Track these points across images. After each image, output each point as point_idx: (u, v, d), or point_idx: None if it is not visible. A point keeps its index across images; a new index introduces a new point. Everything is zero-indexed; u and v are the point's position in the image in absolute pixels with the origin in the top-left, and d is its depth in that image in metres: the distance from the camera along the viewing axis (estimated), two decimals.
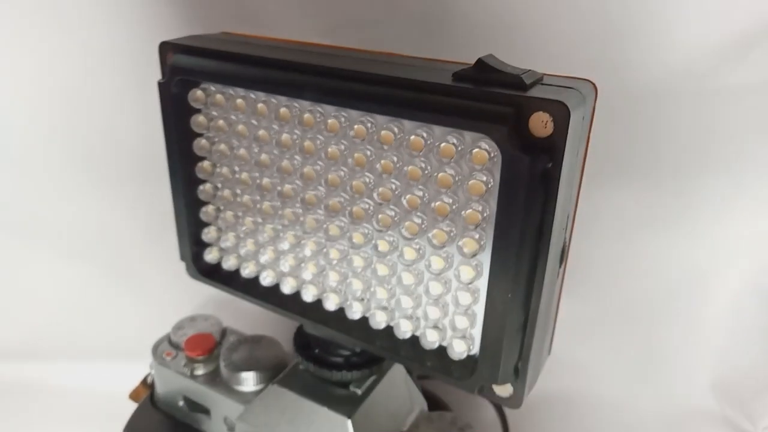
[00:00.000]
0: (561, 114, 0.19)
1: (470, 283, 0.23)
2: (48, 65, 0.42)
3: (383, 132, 0.23)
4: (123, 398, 0.46)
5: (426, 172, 0.22)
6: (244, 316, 0.42)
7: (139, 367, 0.42)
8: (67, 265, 0.50)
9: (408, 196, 0.23)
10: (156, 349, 0.36)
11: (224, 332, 0.37)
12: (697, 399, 0.49)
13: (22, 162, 0.45)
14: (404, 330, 0.26)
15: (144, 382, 0.39)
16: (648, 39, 0.34)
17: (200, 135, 0.29)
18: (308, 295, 0.29)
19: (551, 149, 0.19)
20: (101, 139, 0.44)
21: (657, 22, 0.34)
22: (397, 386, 0.31)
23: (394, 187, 0.24)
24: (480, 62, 0.21)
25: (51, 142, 0.44)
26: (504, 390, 0.24)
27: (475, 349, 0.24)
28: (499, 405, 0.44)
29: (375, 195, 0.24)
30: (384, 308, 0.26)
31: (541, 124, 0.19)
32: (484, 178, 0.21)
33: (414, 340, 0.26)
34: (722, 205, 0.42)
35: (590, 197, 0.40)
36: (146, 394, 0.38)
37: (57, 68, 0.42)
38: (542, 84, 0.20)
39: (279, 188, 0.27)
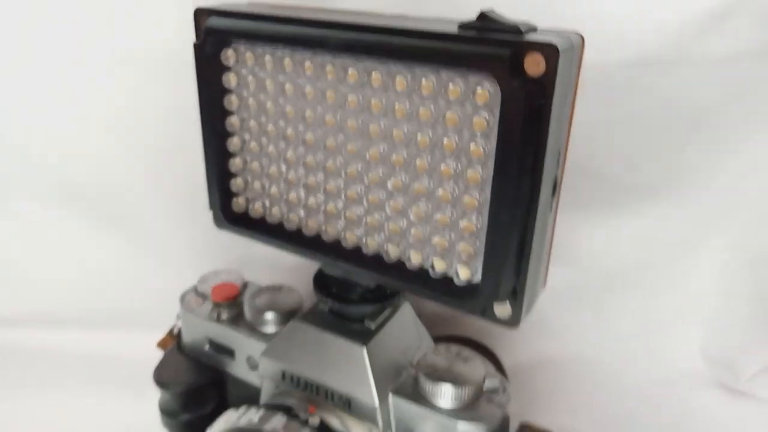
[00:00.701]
0: (552, 54, 0.22)
1: (473, 213, 0.26)
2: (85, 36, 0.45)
3: (398, 78, 0.26)
4: (144, 363, 0.50)
5: (434, 114, 0.26)
6: (261, 277, 0.46)
7: (159, 334, 0.46)
8: (94, 232, 0.53)
9: (419, 137, 0.27)
10: (183, 298, 0.39)
11: (245, 285, 0.40)
12: (686, 362, 0.52)
13: (54, 128, 0.49)
14: (414, 262, 0.29)
15: (170, 332, 0.42)
16: (628, 14, 0.38)
17: (230, 91, 0.32)
18: (327, 236, 0.32)
19: (544, 86, 0.23)
20: (132, 109, 0.48)
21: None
22: (406, 324, 0.34)
23: (406, 130, 0.27)
24: (482, 14, 0.24)
25: (83, 109, 0.48)
26: (503, 311, 0.27)
27: (477, 277, 0.28)
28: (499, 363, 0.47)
29: (390, 138, 0.28)
30: (396, 243, 0.30)
31: (534, 63, 0.22)
32: (486, 116, 0.24)
33: (423, 272, 0.29)
34: (708, 173, 0.45)
35: (580, 167, 0.43)
36: (173, 343, 0.41)
37: (96, 39, 0.45)
38: (536, 32, 0.24)
39: (303, 137, 0.31)
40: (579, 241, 0.48)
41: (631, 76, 0.40)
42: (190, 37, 0.35)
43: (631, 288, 0.50)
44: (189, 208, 0.51)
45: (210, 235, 0.51)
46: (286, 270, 0.46)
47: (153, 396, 0.43)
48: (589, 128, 0.42)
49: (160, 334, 0.45)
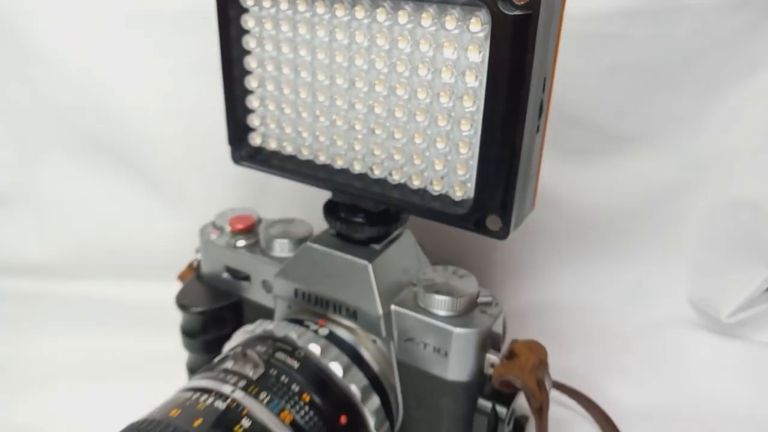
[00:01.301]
0: None
1: (468, 134, 0.29)
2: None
3: (400, 12, 0.29)
4: (164, 307, 0.54)
5: (433, 45, 0.29)
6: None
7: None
8: (118, 181, 0.57)
9: (420, 69, 0.30)
10: (202, 231, 0.42)
11: (259, 219, 0.43)
12: (672, 305, 0.56)
13: (82, 85, 0.52)
14: (416, 183, 0.32)
15: (190, 265, 0.46)
16: None
17: (248, 32, 0.35)
18: (337, 166, 0.35)
19: (530, 14, 0.26)
20: (155, 65, 0.51)
21: None
22: (408, 248, 0.38)
23: (409, 63, 0.30)
24: None
25: (109, 67, 0.51)
26: (494, 224, 0.30)
27: (471, 194, 0.31)
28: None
29: (394, 72, 0.31)
30: (399, 168, 0.33)
31: None
32: (479, 43, 0.27)
33: (423, 192, 0.33)
34: (692, 123, 0.48)
35: (568, 116, 0.46)
36: (192, 273, 0.45)
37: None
38: None
39: (315, 75, 0.34)
40: (565, 186, 0.51)
41: (617, 26, 0.43)
42: None
43: (616, 233, 0.53)
44: (206, 159, 0.54)
45: (225, 184, 0.56)
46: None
47: (171, 332, 0.48)
48: (577, 78, 0.45)
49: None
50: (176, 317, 0.51)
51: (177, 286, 0.49)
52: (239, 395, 0.30)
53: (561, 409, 0.47)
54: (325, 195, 0.38)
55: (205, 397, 0.30)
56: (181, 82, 0.52)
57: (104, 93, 0.53)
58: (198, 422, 0.28)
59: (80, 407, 0.47)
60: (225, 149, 0.53)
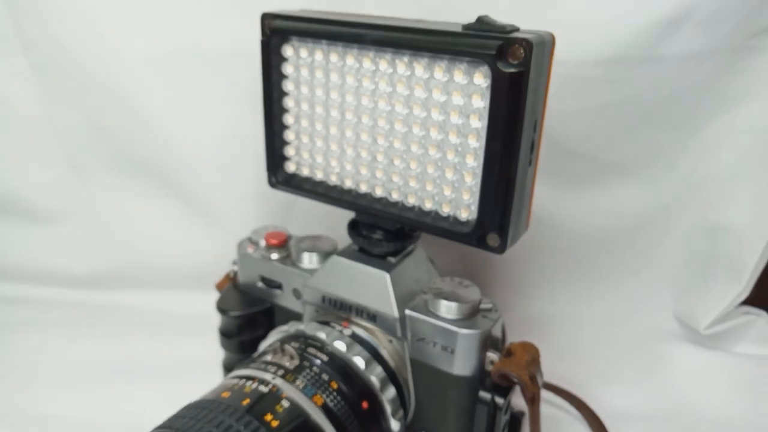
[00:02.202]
0: (528, 46, 0.31)
1: (472, 166, 0.35)
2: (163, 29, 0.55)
3: (416, 65, 0.35)
4: (197, 315, 0.59)
5: (443, 93, 0.35)
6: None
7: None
8: (157, 201, 0.62)
9: (432, 109, 0.36)
10: (240, 245, 0.48)
11: (290, 235, 0.49)
12: (658, 320, 0.60)
13: (129, 112, 0.58)
14: (428, 206, 0.38)
15: (227, 276, 0.51)
16: (601, 20, 0.47)
17: (287, 77, 0.41)
18: (360, 190, 0.41)
19: (523, 69, 0.31)
20: (198, 97, 0.57)
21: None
22: (419, 262, 0.43)
23: (423, 108, 0.36)
24: (479, 18, 0.33)
25: (155, 97, 0.57)
26: (493, 241, 0.36)
27: (474, 216, 0.36)
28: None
29: (411, 114, 0.36)
30: (414, 194, 0.39)
31: (515, 53, 0.31)
32: (482, 92, 0.33)
33: (434, 213, 0.38)
34: (672, 154, 0.54)
35: (562, 148, 0.51)
36: (229, 283, 0.50)
37: (171, 34, 0.55)
38: (518, 31, 0.33)
39: (343, 115, 0.39)
40: (560, 211, 0.56)
41: (605, 71, 0.48)
42: (246, 36, 0.45)
43: (607, 252, 0.58)
44: (238, 182, 0.60)
45: (254, 204, 0.61)
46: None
47: (205, 338, 0.53)
48: (570, 115, 0.51)
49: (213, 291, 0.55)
50: (209, 324, 0.57)
51: (209, 296, 0.55)
52: (279, 381, 0.35)
53: (554, 409, 0.52)
54: (345, 215, 0.43)
55: (250, 382, 0.35)
56: (219, 114, 0.57)
57: (149, 121, 0.58)
58: (246, 401, 0.33)
59: (120, 405, 0.52)
60: (255, 173, 0.60)
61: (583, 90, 0.49)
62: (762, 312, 0.58)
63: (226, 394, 0.34)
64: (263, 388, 0.34)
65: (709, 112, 0.52)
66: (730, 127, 0.52)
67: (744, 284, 0.53)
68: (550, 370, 0.45)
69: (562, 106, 0.48)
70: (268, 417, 0.32)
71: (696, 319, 0.57)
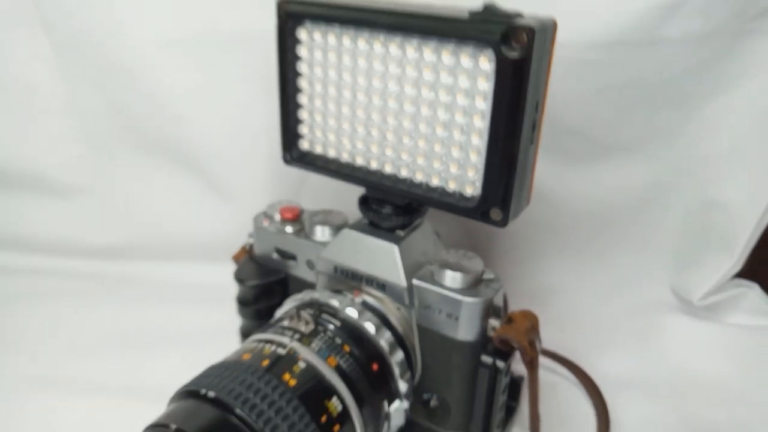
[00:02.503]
0: (530, 32, 0.32)
1: (477, 145, 0.37)
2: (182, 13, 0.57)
3: (425, 49, 0.37)
4: (212, 285, 0.62)
5: (450, 76, 0.37)
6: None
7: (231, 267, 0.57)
8: (178, 178, 0.65)
9: (440, 95, 0.37)
10: (256, 219, 0.50)
11: (302, 210, 0.51)
12: (655, 292, 0.63)
13: (151, 93, 0.60)
14: (435, 182, 0.40)
15: (243, 248, 0.53)
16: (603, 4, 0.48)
17: (301, 59, 0.43)
18: (371, 167, 0.43)
19: (525, 53, 0.33)
20: (216, 78, 0.58)
21: None
22: (426, 235, 0.45)
23: (430, 90, 0.38)
24: (486, 5, 0.35)
25: (175, 78, 0.59)
26: (496, 215, 0.38)
27: (478, 191, 0.38)
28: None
29: (419, 96, 0.38)
30: (422, 170, 0.41)
31: (519, 38, 0.33)
32: (486, 75, 0.35)
33: (440, 189, 0.40)
34: (670, 135, 0.55)
35: (565, 127, 0.53)
36: (245, 254, 0.53)
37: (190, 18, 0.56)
38: (522, 17, 0.34)
39: (355, 95, 0.41)
40: (562, 187, 0.58)
41: (606, 54, 0.49)
42: (259, 19, 0.47)
43: (606, 227, 0.60)
44: (252, 159, 0.62)
45: (267, 180, 0.63)
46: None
47: (220, 306, 0.56)
48: (574, 96, 0.52)
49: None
50: (225, 293, 0.60)
51: (225, 267, 0.58)
52: (295, 345, 0.38)
53: (552, 375, 0.55)
54: (353, 190, 0.45)
55: (269, 345, 0.38)
56: (233, 95, 0.59)
57: (167, 101, 0.60)
58: (265, 362, 0.36)
59: (143, 369, 0.55)
60: (269, 151, 0.62)
61: (584, 72, 0.51)
62: (754, 284, 0.60)
63: (246, 356, 0.37)
64: (281, 351, 0.37)
65: (707, 94, 0.53)
66: (727, 108, 0.53)
67: (736, 258, 0.56)
68: (550, 339, 0.47)
69: (565, 88, 0.49)
70: (287, 376, 0.35)
71: (690, 291, 0.59)
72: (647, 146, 0.56)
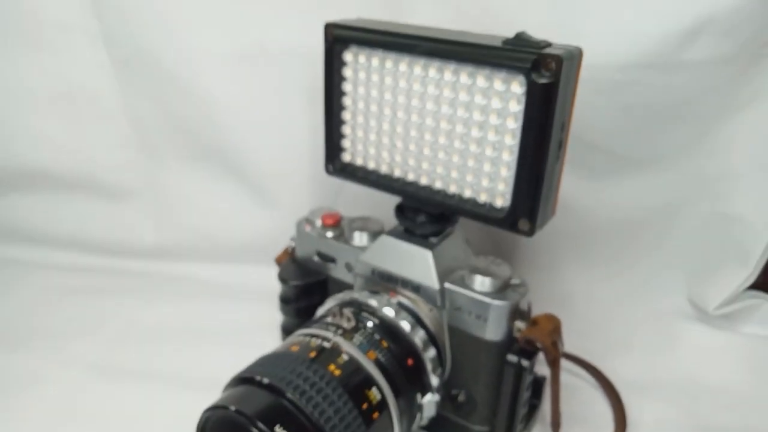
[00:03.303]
0: (558, 61, 0.35)
1: (507, 161, 0.40)
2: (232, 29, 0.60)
3: (461, 74, 0.40)
4: (255, 285, 0.66)
5: (484, 99, 0.40)
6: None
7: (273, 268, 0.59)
8: (222, 184, 0.68)
9: (474, 111, 0.40)
10: (298, 224, 0.53)
11: (342, 217, 0.54)
12: (672, 301, 0.64)
13: (198, 102, 0.64)
14: (467, 194, 0.43)
15: (285, 250, 0.57)
16: (626, 29, 0.51)
17: (346, 79, 0.46)
18: (407, 179, 0.46)
19: (555, 79, 0.36)
20: (263, 93, 0.62)
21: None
22: (458, 242, 0.48)
23: (465, 110, 0.41)
24: (518, 35, 0.38)
25: (223, 91, 0.62)
26: (524, 225, 0.41)
27: (507, 203, 0.41)
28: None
29: (455, 116, 0.41)
30: (455, 182, 0.44)
31: (548, 66, 0.36)
32: (518, 99, 0.38)
33: (472, 201, 0.43)
34: (688, 151, 0.57)
35: (587, 143, 0.56)
36: (288, 257, 0.56)
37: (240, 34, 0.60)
38: (551, 46, 0.37)
39: (395, 114, 0.44)
40: (585, 199, 0.60)
41: (628, 75, 0.51)
42: (304, 39, 0.50)
43: (626, 237, 0.62)
44: (293, 168, 0.66)
45: (306, 188, 0.67)
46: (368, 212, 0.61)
47: (262, 304, 0.59)
48: (596, 113, 0.55)
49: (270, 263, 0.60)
50: (266, 292, 0.63)
51: (267, 268, 0.61)
52: (339, 339, 0.41)
53: (572, 378, 0.57)
54: (386, 198, 0.48)
55: (314, 339, 0.41)
56: (278, 107, 0.62)
57: (216, 111, 0.64)
58: (312, 354, 0.39)
59: (194, 360, 0.57)
60: (309, 160, 0.65)
61: (609, 92, 0.53)
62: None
63: (295, 348, 0.40)
64: (326, 344, 0.40)
65: (724, 113, 0.55)
66: (743, 127, 0.55)
67: (751, 270, 0.57)
68: (571, 343, 0.50)
69: (590, 106, 0.51)
70: (332, 367, 0.38)
71: (706, 301, 0.61)
72: (667, 161, 0.58)
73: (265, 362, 0.39)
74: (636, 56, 0.51)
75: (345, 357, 0.39)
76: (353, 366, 0.39)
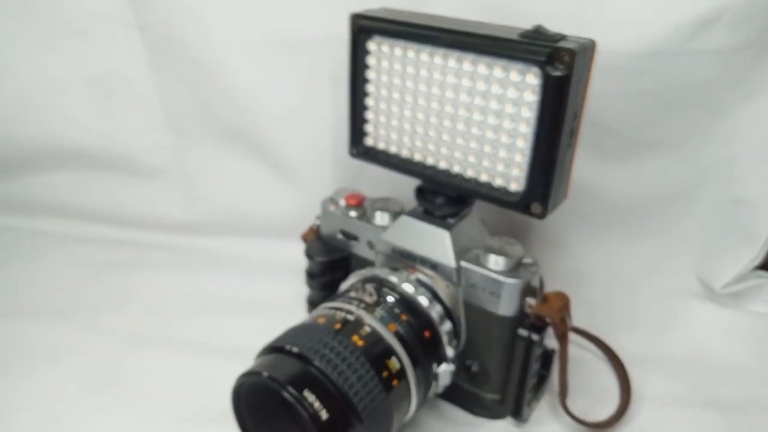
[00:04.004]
0: (572, 54, 0.37)
1: (522, 147, 0.42)
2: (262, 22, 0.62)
3: (479, 64, 0.42)
4: (280, 259, 0.69)
5: (501, 89, 0.41)
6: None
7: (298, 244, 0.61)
8: (251, 163, 0.71)
9: (491, 100, 0.42)
10: (323, 203, 0.56)
11: (364, 197, 0.56)
12: (681, 280, 0.66)
13: (230, 89, 0.66)
14: (483, 178, 0.45)
15: (311, 228, 0.59)
16: (640, 19, 0.52)
17: (369, 67, 0.48)
18: (427, 163, 0.48)
19: (568, 72, 0.38)
20: (289, 78, 0.64)
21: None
22: (474, 223, 0.50)
23: (483, 99, 0.43)
24: (536, 28, 0.39)
25: (253, 77, 0.64)
26: (536, 208, 0.43)
27: (521, 187, 0.43)
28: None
29: (473, 104, 0.43)
30: (472, 167, 0.46)
31: (562, 59, 0.37)
32: (533, 90, 0.40)
33: (488, 184, 0.45)
34: (700, 136, 0.58)
35: (601, 127, 0.57)
36: (313, 234, 0.59)
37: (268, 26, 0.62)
38: (566, 39, 0.39)
39: (416, 101, 0.46)
40: (597, 181, 0.61)
41: (643, 63, 0.52)
42: (326, 26, 0.53)
43: (637, 218, 0.64)
44: (317, 150, 0.68)
45: (329, 169, 0.69)
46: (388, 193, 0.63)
47: (287, 277, 0.62)
48: (610, 98, 0.56)
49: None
50: (291, 267, 0.66)
51: (291, 244, 0.64)
52: (361, 312, 0.44)
53: (581, 351, 0.59)
54: (404, 180, 0.50)
55: (339, 312, 0.44)
56: (302, 92, 0.64)
57: (244, 96, 0.66)
58: (337, 326, 0.42)
59: (223, 330, 0.61)
60: (332, 143, 0.68)
61: (622, 78, 0.54)
62: None
63: (321, 320, 0.43)
64: (350, 317, 0.43)
65: (735, 99, 0.56)
66: (754, 113, 0.56)
67: (758, 251, 0.59)
68: (579, 319, 0.52)
69: (603, 92, 0.53)
70: (355, 338, 0.41)
71: (713, 280, 0.63)
72: (678, 145, 0.59)
73: (294, 333, 0.42)
74: (649, 45, 0.52)
75: (367, 329, 0.42)
76: (375, 337, 0.42)
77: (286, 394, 0.37)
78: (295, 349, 0.39)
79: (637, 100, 0.56)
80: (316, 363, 0.38)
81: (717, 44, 0.51)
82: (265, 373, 0.38)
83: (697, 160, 0.60)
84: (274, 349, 0.41)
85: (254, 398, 0.42)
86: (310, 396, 0.37)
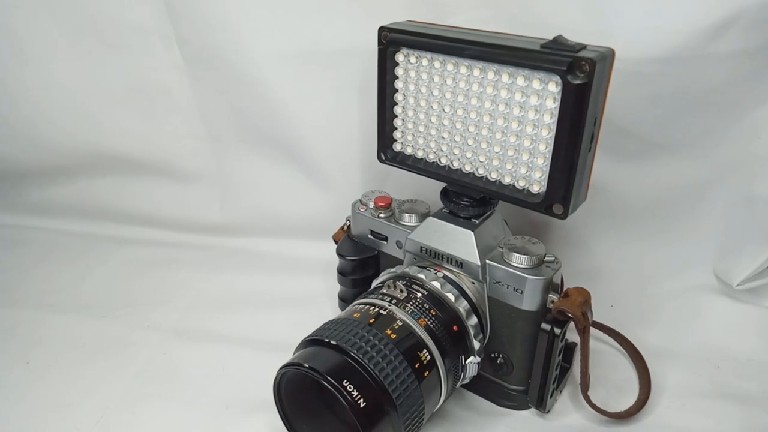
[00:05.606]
0: (592, 63, 0.38)
1: (544, 152, 0.43)
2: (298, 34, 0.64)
3: (503, 74, 0.43)
4: (311, 258, 0.71)
5: (524, 97, 0.43)
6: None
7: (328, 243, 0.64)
8: (283, 168, 0.73)
9: (514, 107, 0.44)
10: (353, 205, 0.58)
11: (393, 200, 0.58)
12: (699, 276, 0.66)
13: (264, 98, 0.69)
14: (506, 180, 0.47)
15: (341, 228, 0.61)
16: (657, 25, 0.53)
17: (398, 78, 0.50)
18: (453, 167, 0.50)
19: (588, 80, 0.39)
20: (320, 90, 0.66)
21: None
22: (497, 223, 0.51)
23: (506, 106, 0.44)
24: (556, 38, 0.41)
25: (287, 88, 0.66)
26: (558, 209, 0.44)
27: (543, 189, 0.45)
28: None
29: (496, 111, 0.45)
30: (496, 170, 0.47)
31: (582, 68, 0.39)
32: (554, 98, 0.41)
33: (511, 187, 0.47)
34: (715, 137, 0.59)
35: (620, 129, 0.58)
36: (344, 234, 0.61)
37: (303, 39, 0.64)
38: (585, 49, 0.40)
39: (442, 109, 0.48)
40: (616, 181, 0.62)
41: (660, 67, 0.53)
42: (355, 39, 0.55)
43: (655, 216, 0.64)
44: (346, 155, 0.70)
45: (357, 173, 0.71)
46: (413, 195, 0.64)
47: (317, 275, 0.64)
48: (629, 102, 0.57)
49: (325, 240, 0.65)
50: (322, 265, 0.68)
51: (322, 244, 0.66)
52: (393, 308, 0.45)
53: (601, 344, 0.60)
54: (429, 183, 0.52)
55: (372, 307, 0.45)
56: (332, 100, 0.66)
57: (277, 104, 0.68)
58: (371, 320, 0.44)
59: (260, 325, 0.63)
60: (360, 148, 0.69)
61: (640, 82, 0.55)
62: None
63: (356, 315, 0.45)
64: (383, 312, 0.45)
65: (751, 101, 0.56)
66: (767, 116, 0.57)
67: None
68: (600, 314, 0.53)
69: (622, 96, 0.54)
70: (388, 331, 0.43)
71: (730, 276, 0.63)
72: (695, 146, 0.60)
73: (332, 326, 0.44)
74: (666, 50, 0.53)
75: (399, 323, 0.44)
76: (406, 331, 0.44)
77: (326, 384, 0.39)
78: (333, 342, 0.41)
79: (656, 103, 0.57)
80: (353, 354, 0.40)
81: (734, 48, 0.52)
82: (306, 364, 0.40)
83: (713, 159, 0.61)
84: (313, 341, 0.43)
85: (294, 388, 0.44)
86: (349, 385, 0.39)
